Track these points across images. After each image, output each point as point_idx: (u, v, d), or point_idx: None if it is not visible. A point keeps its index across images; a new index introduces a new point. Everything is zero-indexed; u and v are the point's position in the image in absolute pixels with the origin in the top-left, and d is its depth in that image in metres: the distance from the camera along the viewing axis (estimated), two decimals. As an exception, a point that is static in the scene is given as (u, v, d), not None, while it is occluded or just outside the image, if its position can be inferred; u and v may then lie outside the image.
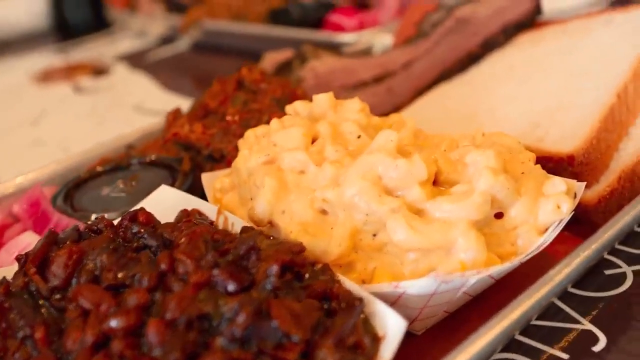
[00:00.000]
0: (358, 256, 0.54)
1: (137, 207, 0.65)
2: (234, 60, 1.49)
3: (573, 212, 0.54)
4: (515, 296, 0.52)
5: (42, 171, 0.83)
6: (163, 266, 0.49)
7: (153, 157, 0.78)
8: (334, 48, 1.24)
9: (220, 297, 0.45)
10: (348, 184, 0.53)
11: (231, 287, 0.46)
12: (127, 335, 0.43)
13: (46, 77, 1.52)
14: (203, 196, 0.68)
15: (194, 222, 0.60)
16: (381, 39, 1.19)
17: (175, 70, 1.54)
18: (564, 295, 0.58)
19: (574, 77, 0.75)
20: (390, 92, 0.97)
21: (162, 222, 0.60)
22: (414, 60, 1.01)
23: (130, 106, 1.27)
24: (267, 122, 0.76)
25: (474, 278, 0.49)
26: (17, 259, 0.53)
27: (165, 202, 0.65)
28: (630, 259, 0.63)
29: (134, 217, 0.55)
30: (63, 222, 0.67)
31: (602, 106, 0.68)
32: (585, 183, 0.57)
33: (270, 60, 1.05)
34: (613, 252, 0.63)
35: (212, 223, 0.61)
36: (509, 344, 0.53)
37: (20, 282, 0.50)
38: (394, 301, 0.49)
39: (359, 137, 0.62)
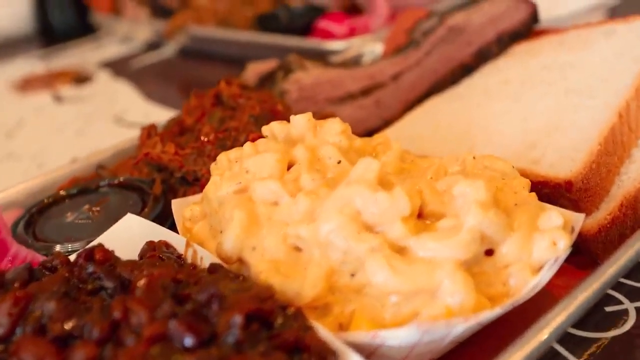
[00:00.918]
0: (335, 298, 0.49)
1: (102, 236, 0.61)
2: (220, 66, 1.45)
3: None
4: (508, 339, 0.48)
5: (6, 193, 0.78)
6: (116, 315, 0.44)
7: (123, 179, 0.74)
8: (323, 56, 1.20)
9: (176, 353, 0.41)
10: (324, 219, 0.49)
11: (188, 341, 0.41)
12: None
13: (26, 85, 1.47)
14: (174, 222, 0.63)
15: (159, 257, 0.56)
16: (371, 47, 1.14)
17: (160, 78, 1.49)
18: (561, 337, 0.53)
19: (571, 93, 0.71)
20: (378, 105, 0.93)
21: (128, 254, 0.56)
22: (404, 71, 0.96)
23: (110, 117, 1.22)
24: (244, 143, 0.72)
25: (461, 327, 0.45)
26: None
27: (131, 232, 0.61)
28: (633, 294, 0.58)
29: (90, 255, 0.51)
30: (22, 254, 0.63)
31: (602, 126, 0.63)
32: (584, 215, 0.53)
33: (253, 71, 1.00)
34: (614, 286, 0.58)
35: (180, 257, 0.57)
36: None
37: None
38: (371, 352, 0.45)
39: (339, 162, 0.57)
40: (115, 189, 0.73)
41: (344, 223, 0.48)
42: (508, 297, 0.49)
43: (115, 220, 0.62)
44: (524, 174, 0.62)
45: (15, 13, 1.92)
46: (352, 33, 1.30)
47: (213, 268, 0.52)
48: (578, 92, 0.70)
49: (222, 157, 0.62)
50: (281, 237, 0.51)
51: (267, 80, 0.96)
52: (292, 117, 0.62)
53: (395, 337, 0.44)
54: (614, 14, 1.14)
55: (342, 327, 0.48)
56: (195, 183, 0.71)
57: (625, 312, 0.57)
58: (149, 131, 0.82)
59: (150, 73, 1.51)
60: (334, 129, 0.61)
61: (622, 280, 0.59)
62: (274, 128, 0.63)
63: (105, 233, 0.61)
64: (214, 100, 0.82)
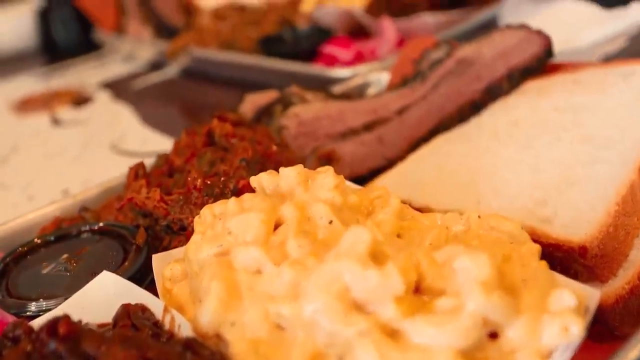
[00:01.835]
0: (320, 384, 0.44)
1: (76, 295, 0.57)
2: (223, 88, 1.41)
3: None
4: None
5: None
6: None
7: (105, 224, 0.70)
8: (327, 83, 1.16)
9: None
10: (308, 298, 0.44)
11: None
12: None
13: (25, 105, 1.44)
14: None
15: (132, 325, 0.51)
16: (377, 76, 1.10)
17: (162, 99, 1.45)
18: None
19: (586, 142, 0.65)
20: (381, 142, 0.88)
21: (102, 315, 0.52)
22: (410, 106, 0.91)
23: (107, 144, 1.18)
24: (233, 191, 0.68)
25: None
26: None
27: (107, 291, 0.57)
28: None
29: (52, 329, 0.46)
30: (-10, 312, 0.58)
31: (619, 183, 0.58)
32: (599, 292, 0.47)
33: (251, 103, 0.95)
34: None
35: (156, 323, 0.53)
36: None
37: None
38: None
39: (330, 222, 0.52)
40: (96, 235, 0.69)
41: (331, 303, 0.43)
42: (514, 388, 0.43)
43: (94, 273, 0.59)
44: (534, 234, 0.57)
45: (18, 29, 1.90)
46: (358, 59, 1.25)
47: (188, 343, 0.47)
48: (593, 141, 0.65)
49: (206, 211, 0.58)
50: (263, 312, 0.46)
51: (265, 114, 0.92)
52: (281, 170, 0.58)
53: None
54: (634, 43, 1.08)
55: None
56: (181, 232, 0.67)
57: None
58: (137, 171, 0.78)
59: (152, 94, 1.48)
60: (327, 183, 0.57)
61: None
62: (262, 180, 0.59)
63: (79, 292, 0.57)
64: (205, 139, 0.78)
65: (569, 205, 0.59)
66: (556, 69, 0.88)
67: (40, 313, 0.57)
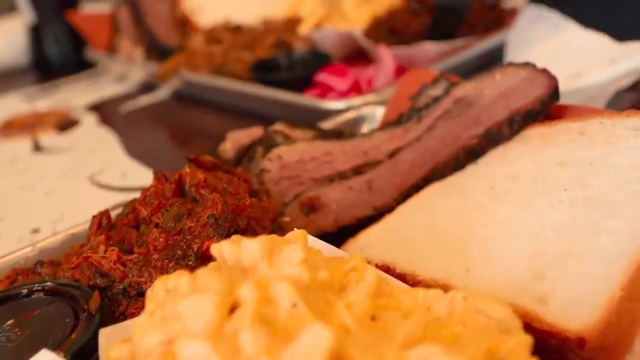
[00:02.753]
0: None
1: None
2: (215, 113, 1.36)
3: None
4: None
5: None
6: None
7: (59, 284, 0.64)
8: (320, 115, 1.11)
9: None
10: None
11: None
12: None
13: (7, 128, 1.40)
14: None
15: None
16: (372, 110, 1.04)
17: (150, 124, 1.41)
18: None
19: (591, 207, 0.59)
20: (370, 189, 0.82)
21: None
22: (402, 148, 0.86)
23: (86, 175, 1.13)
24: (197, 253, 0.62)
25: None
26: None
27: (46, 371, 0.52)
28: None
29: None
30: None
31: (626, 261, 0.52)
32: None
33: (233, 142, 0.90)
34: None
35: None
36: None
37: None
38: None
39: (294, 305, 0.47)
40: (49, 297, 0.64)
41: (280, 419, 0.38)
42: None
43: (38, 346, 0.54)
44: (526, 317, 0.51)
45: (10, 44, 1.86)
46: (354, 89, 1.20)
47: None
48: (598, 205, 0.59)
49: (159, 285, 0.52)
50: (205, 422, 0.41)
51: (246, 155, 0.86)
52: (244, 242, 0.52)
53: None
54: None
55: None
56: (139, 297, 0.62)
57: None
58: (100, 220, 0.73)
59: (140, 118, 1.43)
60: (294, 257, 0.51)
61: None
62: (223, 250, 0.53)
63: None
64: (175, 188, 0.72)
65: (568, 281, 0.53)
66: (562, 111, 0.82)
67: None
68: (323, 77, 1.20)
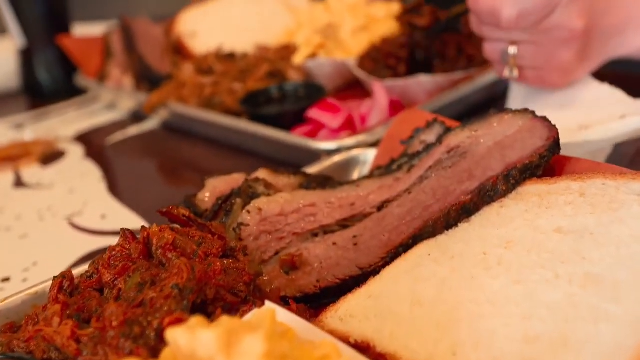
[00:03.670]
0: None
1: None
2: (204, 145, 1.32)
3: None
4: None
5: None
6: None
7: (11, 356, 0.59)
8: (309, 155, 1.06)
9: None
10: None
11: None
12: None
13: (-9, 160, 1.36)
14: None
15: None
16: (363, 153, 0.99)
17: (136, 157, 1.36)
18: None
19: (589, 285, 0.54)
20: (356, 246, 0.77)
21: None
22: (391, 200, 0.81)
23: (65, 215, 1.09)
24: (157, 331, 0.57)
25: None
26: None
27: None
28: None
29: None
30: None
31: (627, 355, 0.46)
32: None
33: (212, 190, 0.85)
34: None
35: None
36: None
37: None
38: None
39: (251, 412, 0.41)
40: (-1, 372, 0.59)
41: None
42: None
43: None
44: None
45: (2, 69, 1.83)
46: (347, 125, 1.15)
47: None
48: (598, 285, 0.54)
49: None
50: None
51: (224, 206, 0.81)
52: (199, 333, 0.47)
53: None
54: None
55: None
56: (93, 378, 0.56)
57: None
58: (61, 283, 0.68)
59: (127, 149, 1.39)
60: (255, 350, 0.46)
61: None
62: (178, 338, 0.48)
63: None
64: (143, 248, 0.67)
65: (563, 379, 0.48)
66: (563, 164, 0.77)
67: None
68: (315, 113, 1.15)
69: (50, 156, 1.36)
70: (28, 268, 0.94)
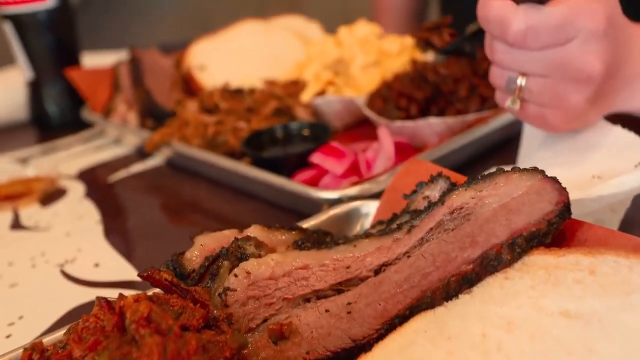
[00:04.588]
0: None
1: None
2: (208, 185, 1.29)
3: None
4: None
5: None
6: None
7: None
8: (309, 203, 1.02)
9: None
10: None
11: None
12: None
13: (-10, 199, 1.34)
14: None
15: None
16: (365, 206, 0.94)
17: (137, 196, 1.33)
18: None
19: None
20: (350, 315, 0.73)
21: None
22: (389, 265, 0.76)
23: (57, 263, 1.06)
24: None
25: None
26: None
27: None
28: None
29: None
30: None
31: None
32: None
33: (201, 249, 0.81)
34: None
35: None
36: None
37: None
38: None
39: None
40: None
41: None
42: None
43: None
44: None
45: (11, 100, 1.82)
46: (351, 171, 1.10)
47: None
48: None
49: None
50: None
51: (211, 268, 0.77)
52: None
53: None
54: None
55: None
56: None
57: None
58: (30, 356, 0.64)
59: (129, 188, 1.36)
60: None
61: None
62: None
63: None
64: (117, 320, 0.63)
65: None
66: (574, 228, 0.72)
67: None
68: (318, 158, 1.11)
69: (51, 195, 1.33)
70: (14, 322, 0.91)
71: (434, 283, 0.70)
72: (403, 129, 1.21)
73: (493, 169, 1.05)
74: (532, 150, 1.00)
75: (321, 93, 1.46)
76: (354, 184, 1.03)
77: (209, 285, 0.75)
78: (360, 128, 1.43)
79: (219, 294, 0.73)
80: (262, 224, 0.85)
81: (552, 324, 0.57)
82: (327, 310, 0.74)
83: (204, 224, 1.17)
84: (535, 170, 0.75)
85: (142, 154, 1.49)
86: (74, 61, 1.78)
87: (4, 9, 1.64)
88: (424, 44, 1.19)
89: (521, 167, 0.77)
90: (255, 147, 1.25)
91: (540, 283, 0.63)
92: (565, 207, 0.70)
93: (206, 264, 0.77)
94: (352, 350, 0.70)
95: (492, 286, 0.67)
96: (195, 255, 0.81)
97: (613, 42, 0.84)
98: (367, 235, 0.82)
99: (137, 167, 1.44)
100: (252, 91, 1.47)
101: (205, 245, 0.82)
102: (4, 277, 1.04)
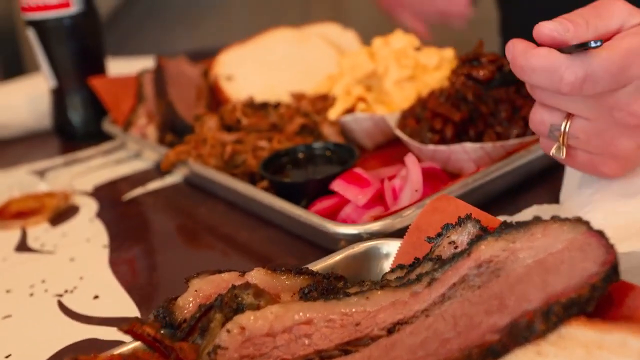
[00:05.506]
0: None
1: None
2: (224, 209, 1.22)
3: None
4: None
5: None
6: None
7: None
8: (325, 238, 0.94)
9: None
10: None
11: None
12: None
13: (1, 214, 1.29)
14: None
15: None
16: (386, 246, 0.85)
17: (153, 214, 1.27)
18: None
19: None
20: (356, 383, 0.64)
21: None
22: (404, 324, 0.67)
23: (56, 292, 1.00)
24: None
25: None
26: None
27: None
28: None
29: None
30: None
31: None
32: None
33: (196, 295, 0.74)
34: None
35: None
36: None
37: None
38: None
39: None
40: None
41: None
42: None
43: None
44: None
45: (36, 107, 1.80)
46: (375, 201, 1.01)
47: None
48: None
49: None
50: None
51: (201, 321, 0.69)
52: None
53: None
54: None
55: None
56: None
57: None
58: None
59: (143, 206, 1.30)
60: None
61: None
62: None
63: None
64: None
65: None
66: (623, 293, 0.62)
67: None
68: (340, 186, 1.03)
69: (62, 213, 1.28)
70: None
71: (453, 353, 0.61)
72: (436, 154, 1.11)
73: (533, 207, 0.96)
74: (574, 187, 0.90)
75: (351, 109, 1.38)
76: (376, 218, 0.94)
77: (197, 341, 0.67)
78: (392, 147, 1.34)
79: (208, 353, 0.65)
80: (267, 266, 0.77)
81: None
82: (331, 376, 0.65)
83: (216, 253, 1.10)
84: (578, 221, 0.65)
85: (160, 170, 1.43)
86: (99, 69, 1.73)
87: (27, 15, 1.60)
88: (466, 80, 1.10)
89: (562, 212, 0.67)
90: (275, 169, 1.17)
91: (578, 365, 0.53)
92: (612, 268, 0.60)
93: (197, 315, 0.70)
94: None
95: (521, 362, 0.57)
96: (188, 302, 0.73)
97: None
98: (382, 285, 0.73)
99: (155, 185, 1.38)
100: (278, 106, 1.40)
101: (200, 290, 0.74)
102: (2, 308, 0.99)
